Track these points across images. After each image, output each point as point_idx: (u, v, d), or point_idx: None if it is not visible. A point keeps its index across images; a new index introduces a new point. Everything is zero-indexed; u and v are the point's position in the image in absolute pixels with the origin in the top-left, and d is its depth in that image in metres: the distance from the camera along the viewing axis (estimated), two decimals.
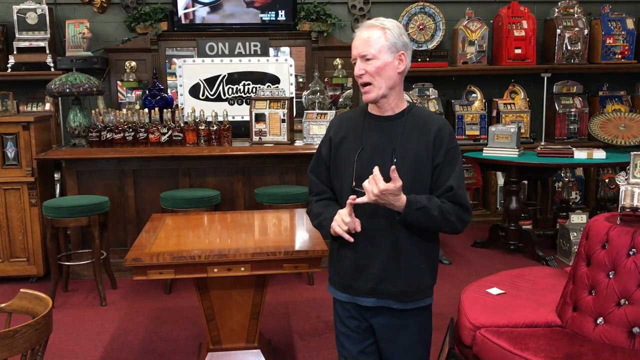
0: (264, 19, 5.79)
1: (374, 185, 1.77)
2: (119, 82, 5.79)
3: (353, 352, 2.03)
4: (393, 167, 1.77)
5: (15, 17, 5.50)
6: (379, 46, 1.86)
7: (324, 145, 2.06)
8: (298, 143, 4.70)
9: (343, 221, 1.88)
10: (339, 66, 5.83)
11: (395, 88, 1.92)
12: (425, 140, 1.90)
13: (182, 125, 4.54)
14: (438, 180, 1.90)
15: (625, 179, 2.67)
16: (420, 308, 1.98)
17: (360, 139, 1.94)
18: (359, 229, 1.88)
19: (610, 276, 2.47)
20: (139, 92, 5.68)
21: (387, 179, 1.77)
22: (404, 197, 1.81)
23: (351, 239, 1.89)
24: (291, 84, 5.21)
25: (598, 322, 2.45)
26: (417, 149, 1.90)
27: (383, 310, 1.96)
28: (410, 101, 2.06)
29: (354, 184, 1.91)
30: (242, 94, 5.25)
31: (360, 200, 1.82)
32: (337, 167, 2.00)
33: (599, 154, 4.76)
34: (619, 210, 2.62)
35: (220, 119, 4.60)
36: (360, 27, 1.92)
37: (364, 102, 1.97)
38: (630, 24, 6.01)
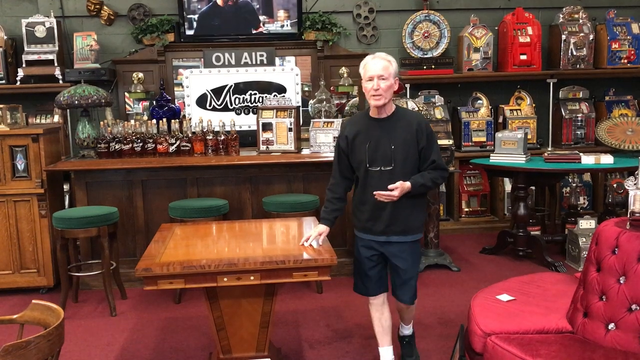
0: (269, 29, 5.83)
1: (389, 197, 2.85)
2: (126, 94, 5.83)
3: (366, 270, 3.02)
4: (390, 186, 2.84)
5: (24, 31, 5.57)
6: (390, 72, 2.84)
7: (341, 141, 3.01)
8: (305, 151, 4.71)
9: (310, 238, 2.91)
10: (345, 74, 5.84)
11: (389, 99, 2.91)
12: (409, 131, 2.89)
13: (189, 135, 4.56)
14: (425, 157, 2.92)
15: (634, 184, 2.66)
16: (415, 241, 3.00)
17: (367, 134, 2.93)
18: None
19: (621, 281, 2.46)
20: (146, 103, 5.71)
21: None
22: (407, 184, 2.86)
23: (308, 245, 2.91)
24: (297, 93, 5.23)
25: (609, 328, 2.44)
26: (405, 137, 2.89)
27: (390, 242, 2.97)
28: (399, 106, 3.04)
29: (367, 165, 2.92)
30: (249, 104, 5.28)
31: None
32: (354, 154, 2.97)
33: (607, 159, 4.74)
34: (628, 215, 2.61)
35: (228, 128, 4.63)
36: (374, 57, 2.86)
37: (373, 107, 2.90)
38: (635, 28, 6.00)
